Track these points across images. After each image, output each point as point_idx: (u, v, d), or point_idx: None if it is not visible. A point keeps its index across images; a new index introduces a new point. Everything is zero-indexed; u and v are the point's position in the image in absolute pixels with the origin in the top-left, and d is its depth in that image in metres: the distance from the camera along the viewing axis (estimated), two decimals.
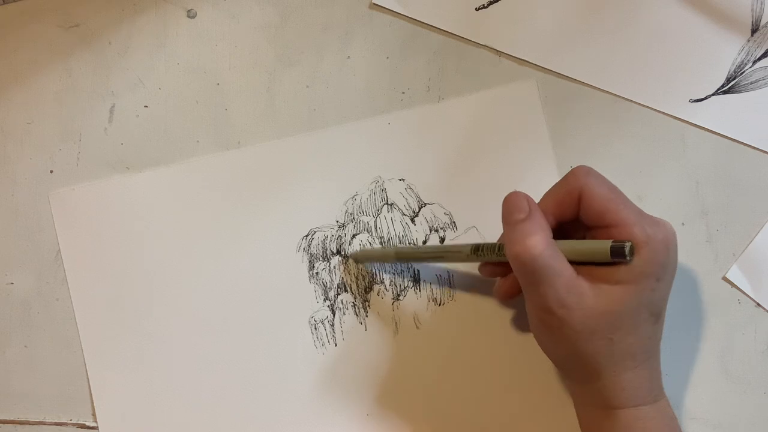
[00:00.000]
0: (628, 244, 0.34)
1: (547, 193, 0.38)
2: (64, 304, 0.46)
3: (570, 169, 0.44)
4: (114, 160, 0.46)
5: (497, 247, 0.38)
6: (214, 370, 0.45)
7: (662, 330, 0.38)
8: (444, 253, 0.41)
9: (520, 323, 0.44)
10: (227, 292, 0.45)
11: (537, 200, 0.38)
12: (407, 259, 0.43)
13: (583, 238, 0.37)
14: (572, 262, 0.35)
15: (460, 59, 0.46)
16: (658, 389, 0.38)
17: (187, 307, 0.45)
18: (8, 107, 0.47)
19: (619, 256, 0.34)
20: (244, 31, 0.47)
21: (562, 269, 0.35)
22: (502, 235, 0.39)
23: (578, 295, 0.35)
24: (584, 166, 0.37)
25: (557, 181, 0.45)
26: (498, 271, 0.40)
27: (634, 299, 0.35)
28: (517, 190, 0.37)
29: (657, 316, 0.36)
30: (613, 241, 0.34)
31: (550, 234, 0.35)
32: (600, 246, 0.35)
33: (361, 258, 0.45)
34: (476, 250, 0.39)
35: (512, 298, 0.40)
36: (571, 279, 0.35)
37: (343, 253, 0.45)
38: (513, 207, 0.36)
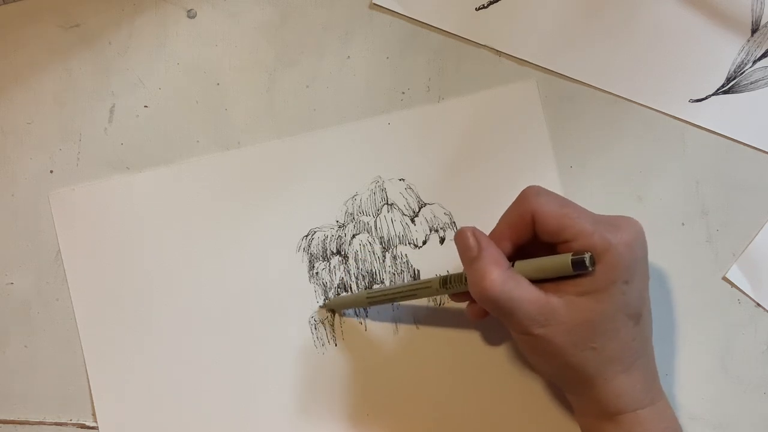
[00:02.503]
0: (587, 255, 0.34)
1: (500, 218, 0.38)
2: (64, 304, 0.46)
3: (570, 169, 0.45)
4: (114, 160, 0.46)
5: (463, 278, 0.38)
6: (213, 369, 0.45)
7: (649, 330, 0.38)
8: (414, 290, 0.40)
9: None
10: (227, 292, 0.45)
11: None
12: (380, 302, 0.42)
13: (548, 254, 0.36)
14: (539, 280, 0.35)
15: (460, 59, 0.46)
16: (655, 390, 0.38)
17: (187, 307, 0.45)
18: (8, 107, 0.47)
19: (580, 267, 0.34)
20: (244, 31, 0.47)
21: (527, 295, 0.35)
22: None
23: (551, 312, 0.35)
24: (533, 186, 0.37)
25: (555, 182, 0.45)
26: (468, 296, 0.40)
27: (607, 306, 0.35)
28: (464, 226, 0.37)
29: (636, 317, 0.36)
30: (572, 254, 0.34)
31: (505, 265, 0.35)
32: (561, 261, 0.35)
33: (334, 306, 0.44)
34: (444, 283, 0.39)
35: (484, 318, 0.40)
36: (539, 300, 0.35)
37: (322, 304, 0.45)
38: (462, 246, 0.36)
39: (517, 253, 0.37)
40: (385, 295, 0.42)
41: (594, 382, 0.36)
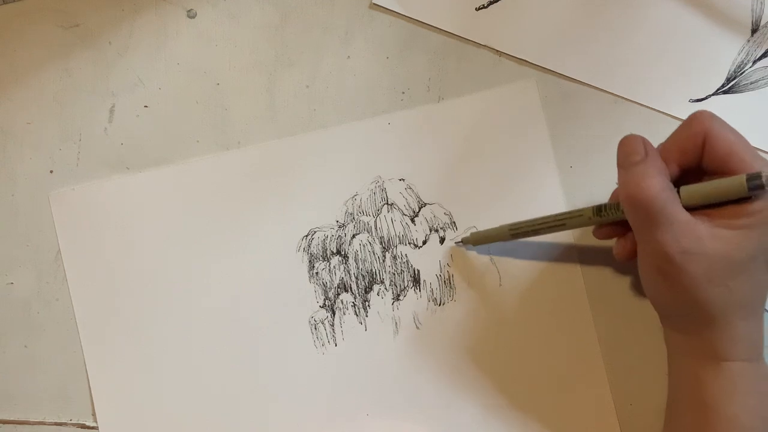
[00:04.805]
0: (765, 173, 0.33)
1: (668, 139, 0.37)
2: (64, 304, 0.46)
3: (570, 169, 0.45)
4: (114, 160, 0.46)
5: (620, 205, 0.37)
6: (213, 370, 0.45)
7: None
8: (563, 220, 0.40)
9: (520, 323, 0.44)
10: (227, 292, 0.45)
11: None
12: (524, 234, 0.41)
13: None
14: (691, 209, 0.34)
15: (460, 59, 0.46)
16: (761, 348, 0.36)
17: (186, 307, 0.45)
18: (8, 107, 0.47)
19: (756, 187, 0.33)
20: (244, 31, 0.47)
21: (679, 213, 0.34)
22: (615, 192, 0.39)
23: (697, 239, 0.34)
24: (706, 110, 0.36)
25: (555, 182, 0.45)
26: (616, 231, 0.39)
27: (753, 244, 0.34)
28: (634, 134, 0.36)
29: None
30: (747, 174, 0.33)
31: (667, 177, 0.35)
32: (733, 182, 0.34)
33: (474, 240, 0.44)
34: (598, 211, 0.38)
35: (634, 258, 0.38)
36: (689, 223, 0.34)
37: (453, 239, 0.44)
38: (629, 149, 0.35)
39: (678, 182, 0.36)
40: (531, 226, 0.41)
41: (714, 323, 0.35)
